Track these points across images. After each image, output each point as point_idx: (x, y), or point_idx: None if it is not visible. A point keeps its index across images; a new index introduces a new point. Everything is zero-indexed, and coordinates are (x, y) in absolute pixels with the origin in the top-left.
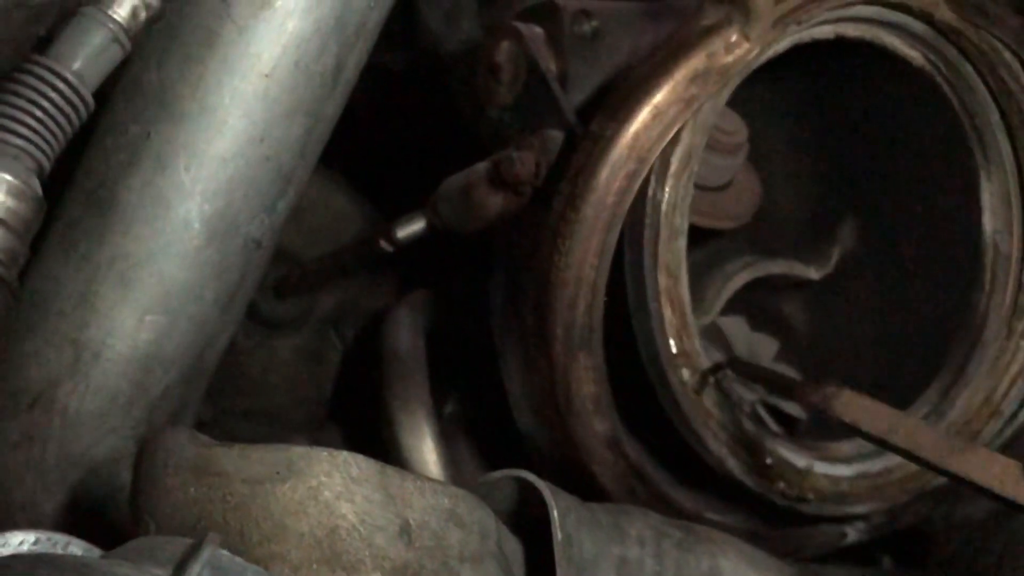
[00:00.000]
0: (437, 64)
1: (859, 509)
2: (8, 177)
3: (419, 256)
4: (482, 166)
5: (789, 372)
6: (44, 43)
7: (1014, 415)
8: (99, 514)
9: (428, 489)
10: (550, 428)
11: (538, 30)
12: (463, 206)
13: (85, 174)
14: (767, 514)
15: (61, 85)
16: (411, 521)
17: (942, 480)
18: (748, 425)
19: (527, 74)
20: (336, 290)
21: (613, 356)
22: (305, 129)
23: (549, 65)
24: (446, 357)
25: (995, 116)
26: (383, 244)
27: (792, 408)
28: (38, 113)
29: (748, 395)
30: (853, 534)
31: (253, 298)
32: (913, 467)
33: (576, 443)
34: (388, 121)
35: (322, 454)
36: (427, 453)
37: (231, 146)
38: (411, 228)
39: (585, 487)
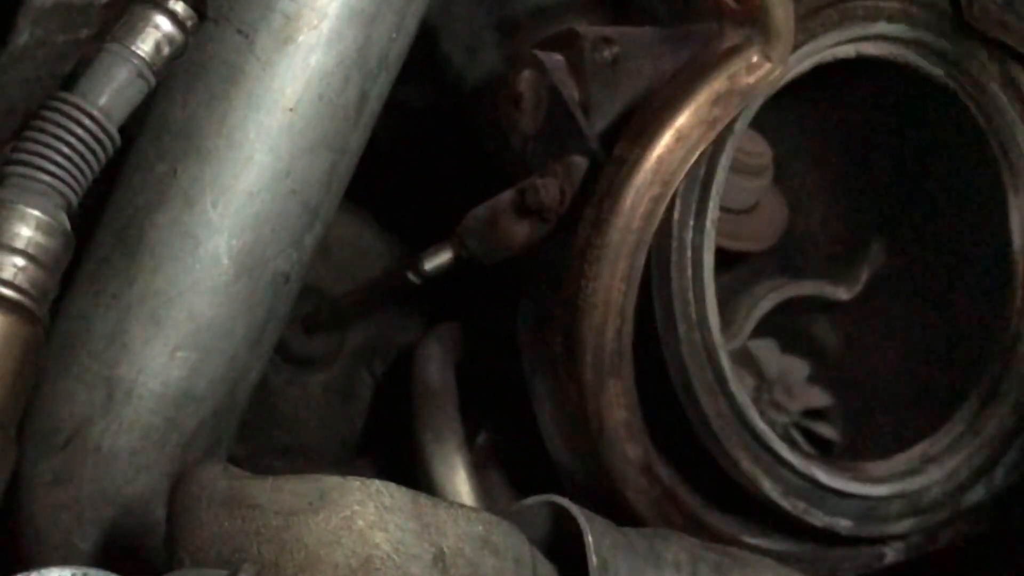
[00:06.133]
0: (459, 96)
1: (897, 529)
2: (37, 213)
3: (447, 288)
4: (507, 195)
5: (823, 394)
6: (70, 80)
7: None
8: (135, 551)
9: (462, 516)
10: (582, 455)
11: (559, 58)
12: (489, 236)
13: (113, 212)
14: (804, 536)
15: (87, 121)
16: (445, 549)
17: (980, 499)
18: (782, 447)
19: (549, 102)
20: (365, 325)
21: (644, 381)
22: (330, 162)
23: (571, 93)
24: (477, 388)
25: (1021, 131)
26: (411, 277)
27: (826, 430)
28: (65, 149)
29: (781, 417)
30: (891, 554)
31: (283, 335)
32: (951, 486)
33: (609, 469)
34: (412, 155)
35: (355, 484)
36: (460, 484)
37: (257, 181)
38: (438, 260)
39: (619, 513)
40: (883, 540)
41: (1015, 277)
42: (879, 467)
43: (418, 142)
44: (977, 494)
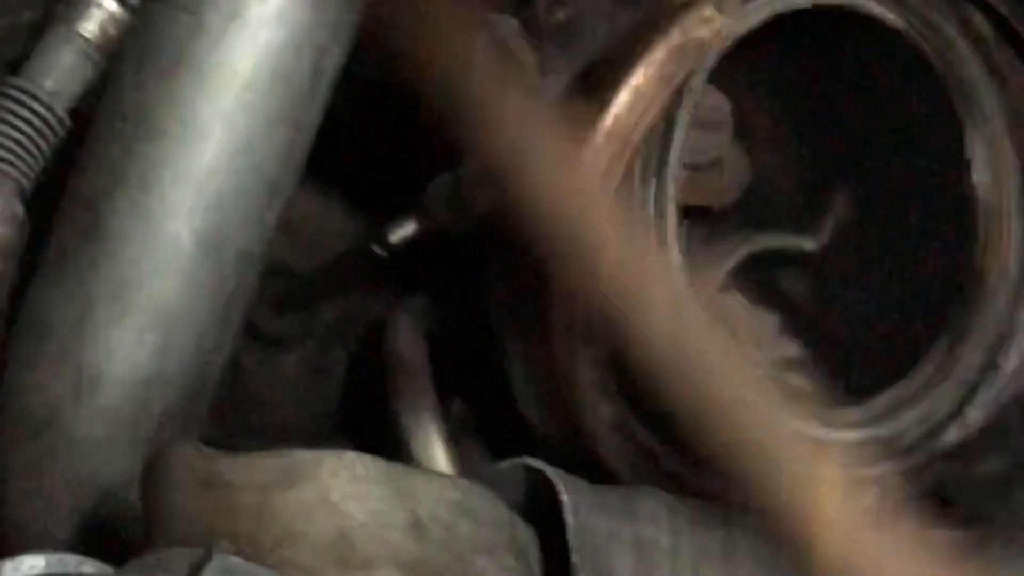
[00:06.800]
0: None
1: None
2: None
3: (415, 261)
4: (468, 162)
5: (793, 346)
6: (14, 65)
7: (1017, 371)
8: (111, 536)
9: (436, 482)
10: (555, 417)
11: (513, 21)
12: (452, 204)
13: (71, 199)
14: None
15: (35, 104)
16: (421, 515)
17: (954, 439)
18: None
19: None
20: (335, 301)
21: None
22: (288, 137)
23: (526, 55)
24: (450, 359)
25: (976, 71)
26: (377, 249)
27: (799, 381)
28: (14, 134)
29: None
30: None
31: (252, 315)
32: (925, 428)
33: (582, 429)
34: (373, 128)
35: (328, 456)
36: (437, 454)
37: (214, 159)
38: (403, 231)
39: (595, 473)
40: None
41: (976, 214)
42: (852, 413)
43: (378, 114)
44: (951, 435)
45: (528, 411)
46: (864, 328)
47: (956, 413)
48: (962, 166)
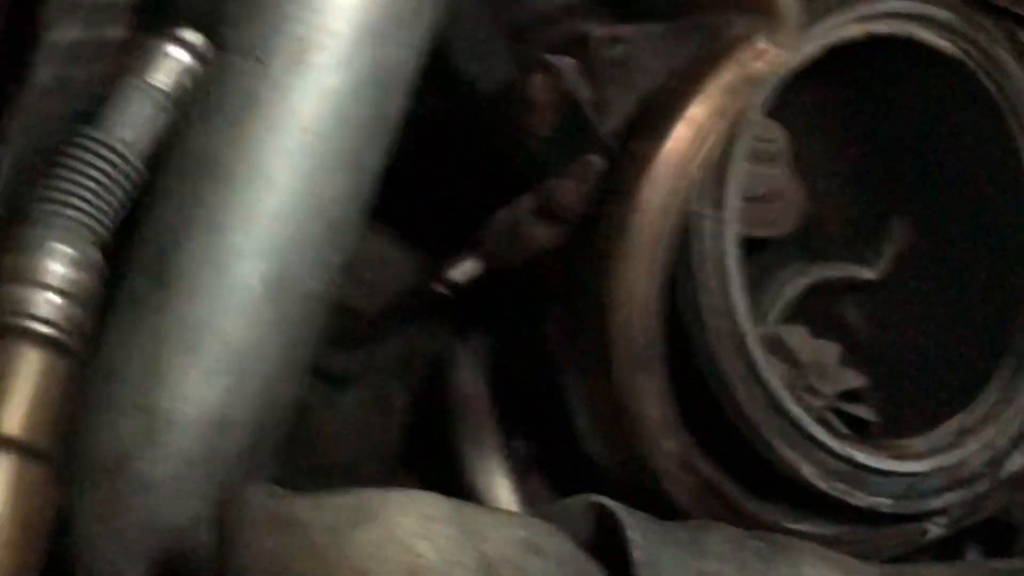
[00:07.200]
0: (473, 105)
1: (938, 504)
2: (67, 249)
3: (475, 298)
4: (526, 199)
5: (855, 376)
6: (91, 116)
7: None
8: None
9: (504, 521)
10: (619, 453)
11: (569, 60)
12: (511, 241)
13: (141, 244)
14: (846, 518)
15: (112, 156)
16: (490, 554)
17: (1018, 467)
18: (819, 430)
19: (562, 105)
20: (396, 339)
21: (677, 375)
22: (353, 180)
23: (583, 93)
24: (511, 395)
25: None
26: (436, 287)
27: (862, 411)
28: (92, 185)
29: (816, 401)
30: (934, 530)
31: (316, 354)
32: (988, 456)
33: (646, 465)
34: (431, 167)
35: (396, 495)
36: (501, 490)
37: (281, 204)
38: (462, 268)
39: (660, 508)
40: (925, 516)
41: None
42: (917, 443)
43: (436, 154)
44: (1015, 463)
45: (591, 446)
46: (926, 357)
47: (1019, 440)
48: (1018, 192)
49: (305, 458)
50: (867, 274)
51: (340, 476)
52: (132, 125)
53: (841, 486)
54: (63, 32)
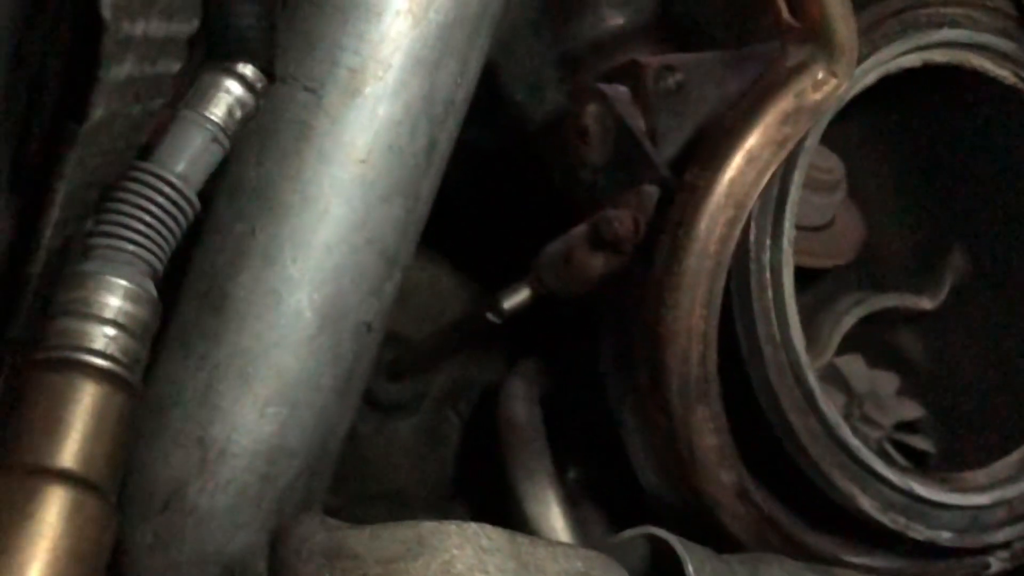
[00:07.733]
0: (526, 134)
1: (999, 537)
2: (123, 282)
3: (527, 325)
4: (580, 229)
5: (914, 407)
6: (146, 150)
7: None
8: None
9: (560, 554)
10: (675, 484)
11: (623, 89)
12: (565, 271)
13: (195, 275)
14: (905, 551)
15: (166, 188)
16: None
17: None
18: (877, 462)
19: (616, 134)
20: (449, 367)
21: (733, 405)
22: (405, 210)
23: (637, 123)
24: (564, 423)
25: None
26: (490, 316)
27: (920, 442)
28: (147, 218)
29: (874, 432)
30: (996, 563)
31: (368, 383)
32: None
33: (703, 496)
34: (484, 196)
35: (451, 527)
36: (554, 520)
37: (334, 234)
38: (516, 298)
39: (717, 540)
40: (986, 550)
41: None
42: (977, 476)
43: (488, 182)
44: None
45: (646, 477)
46: (985, 388)
47: None
48: None
49: (358, 487)
50: (925, 304)
51: (392, 505)
52: (186, 158)
53: (900, 519)
54: (119, 67)
